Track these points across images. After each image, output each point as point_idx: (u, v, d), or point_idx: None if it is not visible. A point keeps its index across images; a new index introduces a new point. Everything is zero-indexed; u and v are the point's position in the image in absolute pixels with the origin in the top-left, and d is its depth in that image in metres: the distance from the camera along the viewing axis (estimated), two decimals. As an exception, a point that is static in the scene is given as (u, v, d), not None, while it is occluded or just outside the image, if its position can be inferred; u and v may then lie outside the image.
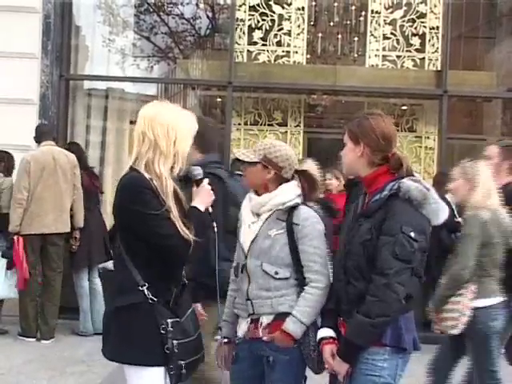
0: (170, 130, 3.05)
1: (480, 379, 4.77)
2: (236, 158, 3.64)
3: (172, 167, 3.08)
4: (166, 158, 3.05)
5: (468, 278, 4.56)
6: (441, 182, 7.97)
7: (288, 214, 3.39)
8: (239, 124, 9.90)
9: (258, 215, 3.46)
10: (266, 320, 3.37)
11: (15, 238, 7.18)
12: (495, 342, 4.69)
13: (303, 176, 3.52)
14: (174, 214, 3.01)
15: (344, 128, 3.25)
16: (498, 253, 4.69)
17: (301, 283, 3.37)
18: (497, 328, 4.68)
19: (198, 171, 3.28)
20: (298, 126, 10.09)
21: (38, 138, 7.74)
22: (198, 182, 3.25)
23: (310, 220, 3.40)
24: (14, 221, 7.19)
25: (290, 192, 3.44)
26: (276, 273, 3.35)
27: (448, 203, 7.53)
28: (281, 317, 3.33)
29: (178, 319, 3.07)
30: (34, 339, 7.35)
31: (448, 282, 4.64)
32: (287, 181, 3.48)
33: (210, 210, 3.21)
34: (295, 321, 3.29)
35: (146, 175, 3.04)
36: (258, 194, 3.50)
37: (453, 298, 4.60)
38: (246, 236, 3.45)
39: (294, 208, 3.40)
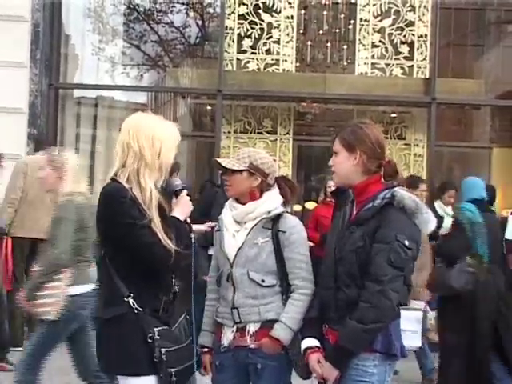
0: (156, 141, 3.07)
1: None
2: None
3: (157, 179, 3.11)
4: (150, 169, 3.07)
5: (66, 262, 4.56)
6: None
7: (273, 221, 3.41)
8: (229, 132, 9.90)
9: (241, 223, 3.45)
10: (253, 328, 3.36)
11: (4, 238, 7.10)
12: (67, 330, 4.71)
13: (284, 181, 3.54)
14: (157, 224, 3.02)
15: (333, 136, 3.25)
16: (91, 237, 4.65)
17: (284, 290, 3.39)
18: (82, 317, 4.68)
19: (177, 182, 3.30)
20: (287, 133, 10.10)
21: (37, 147, 7.70)
22: (178, 193, 3.26)
23: (297, 227, 3.44)
24: (4, 220, 7.12)
25: (274, 200, 3.46)
26: (263, 280, 3.35)
27: (434, 211, 7.58)
28: (267, 324, 3.34)
29: (166, 327, 3.08)
30: (21, 348, 7.28)
31: (46, 268, 4.59)
32: (269, 188, 3.49)
33: (189, 220, 3.23)
34: (284, 327, 3.30)
35: (126, 185, 3.04)
36: (239, 202, 3.49)
37: (51, 282, 4.56)
38: (230, 245, 3.43)
39: (279, 216, 3.41)
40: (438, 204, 8.21)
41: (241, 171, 3.42)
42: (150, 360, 2.99)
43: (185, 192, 3.27)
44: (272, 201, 3.44)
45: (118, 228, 3.01)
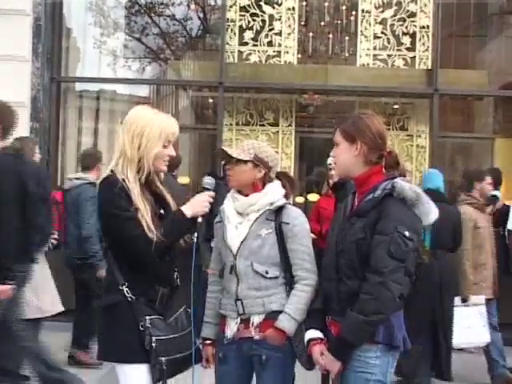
0: (135, 136, 3.18)
1: None
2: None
3: (138, 171, 3.20)
4: (130, 163, 3.18)
5: None
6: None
7: (276, 213, 3.42)
8: (231, 124, 9.90)
9: (244, 215, 3.46)
10: (257, 319, 3.37)
11: None
12: None
13: (283, 177, 3.58)
14: (143, 213, 3.10)
15: (334, 128, 3.25)
16: None
17: (288, 282, 3.40)
18: None
19: (207, 181, 3.38)
20: (289, 125, 10.10)
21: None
22: (204, 191, 3.34)
23: (300, 219, 3.45)
24: None
25: (277, 192, 3.47)
26: (266, 272, 3.36)
27: None
28: (271, 315, 3.35)
29: (159, 316, 3.16)
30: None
31: None
32: (270, 181, 3.51)
33: (200, 219, 3.25)
34: (288, 318, 3.32)
35: (120, 177, 3.15)
36: (241, 193, 3.50)
37: None
38: (233, 237, 3.44)
39: (281, 207, 3.42)
40: None
41: (245, 162, 3.43)
42: (143, 348, 3.08)
43: (208, 192, 3.30)
44: (274, 192, 3.45)
45: (107, 218, 3.17)
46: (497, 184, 8.17)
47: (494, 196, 8.08)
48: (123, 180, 3.13)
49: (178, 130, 3.32)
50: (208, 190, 3.33)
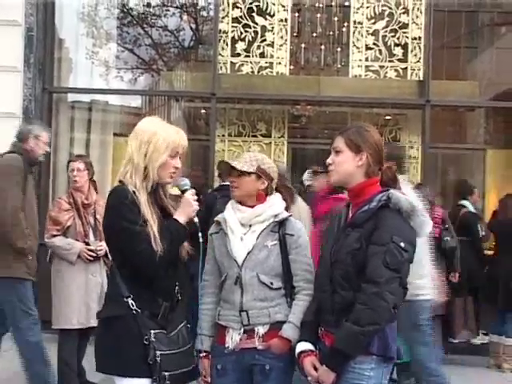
0: (143, 144, 3.17)
1: None
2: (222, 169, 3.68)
3: (144, 179, 3.17)
4: (136, 170, 3.16)
5: None
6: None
7: (279, 225, 3.47)
8: (223, 135, 9.90)
9: (246, 226, 3.48)
10: (262, 330, 3.40)
11: None
12: None
13: (284, 189, 3.63)
14: (151, 223, 3.07)
15: (336, 135, 3.22)
16: None
17: (288, 293, 3.46)
18: None
19: (184, 181, 3.34)
20: (281, 136, 10.10)
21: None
22: (184, 193, 3.30)
23: (302, 230, 3.53)
24: None
25: (279, 204, 3.54)
26: (271, 283, 3.41)
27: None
28: (276, 325, 3.39)
29: (163, 331, 3.11)
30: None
31: None
32: (272, 193, 3.56)
33: (196, 220, 3.26)
34: (293, 327, 3.35)
35: (130, 187, 3.12)
36: (243, 204, 3.52)
37: None
38: (238, 248, 3.45)
39: (284, 219, 3.48)
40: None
41: (249, 173, 3.47)
42: (145, 362, 3.02)
43: (189, 192, 3.29)
44: (277, 205, 3.52)
45: (114, 229, 3.12)
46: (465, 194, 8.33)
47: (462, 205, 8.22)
48: (133, 192, 3.10)
49: (186, 144, 3.33)
50: (186, 190, 3.31)
